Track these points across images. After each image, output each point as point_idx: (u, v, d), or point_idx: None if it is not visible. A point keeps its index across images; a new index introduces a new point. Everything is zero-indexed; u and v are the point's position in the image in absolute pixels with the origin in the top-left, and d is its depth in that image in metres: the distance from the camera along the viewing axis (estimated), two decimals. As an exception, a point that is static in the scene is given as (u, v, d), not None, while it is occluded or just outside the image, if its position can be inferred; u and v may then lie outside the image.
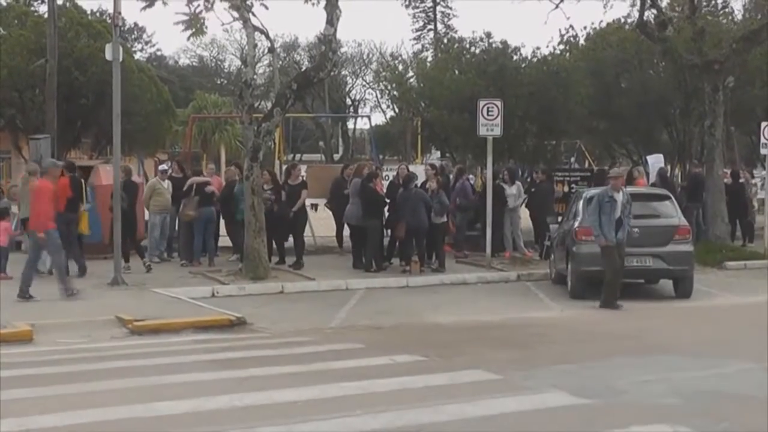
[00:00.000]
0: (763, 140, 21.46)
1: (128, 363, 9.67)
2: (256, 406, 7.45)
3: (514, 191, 20.11)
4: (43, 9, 31.86)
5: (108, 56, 16.17)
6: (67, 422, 6.94)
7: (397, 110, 45.79)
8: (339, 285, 16.51)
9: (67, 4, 29.47)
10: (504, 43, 24.88)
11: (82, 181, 16.96)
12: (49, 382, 8.47)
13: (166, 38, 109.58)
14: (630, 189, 17.81)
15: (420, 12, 71.20)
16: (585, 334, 11.80)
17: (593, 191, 16.62)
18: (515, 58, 24.49)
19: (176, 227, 19.47)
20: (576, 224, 15.59)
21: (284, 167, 20.65)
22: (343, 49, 58.90)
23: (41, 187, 14.64)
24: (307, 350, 10.50)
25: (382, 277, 17.34)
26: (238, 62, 63.16)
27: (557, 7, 23.86)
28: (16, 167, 33.24)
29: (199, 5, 17.56)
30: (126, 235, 16.56)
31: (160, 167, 21.50)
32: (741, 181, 22.97)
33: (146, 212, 19.54)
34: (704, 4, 25.70)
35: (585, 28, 30.25)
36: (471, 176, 23.01)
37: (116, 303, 13.84)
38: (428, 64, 30.82)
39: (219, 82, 67.27)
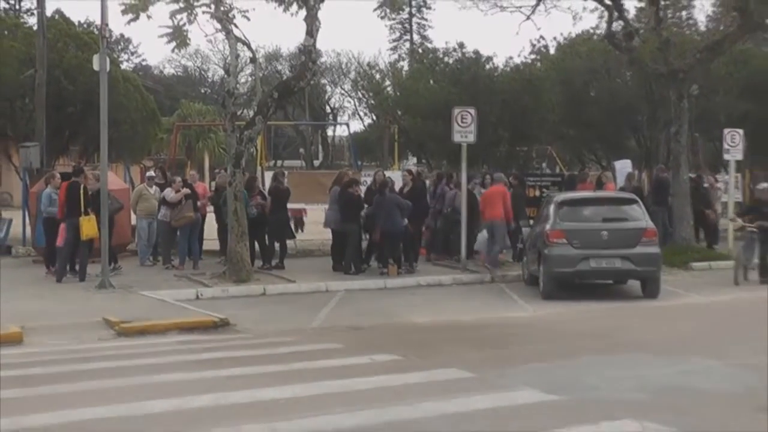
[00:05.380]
0: (725, 146, 22.07)
1: (115, 363, 9.73)
2: (239, 405, 7.50)
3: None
4: (32, 21, 32.12)
5: (95, 66, 16.39)
6: (57, 421, 7.01)
7: (374, 118, 46.24)
8: (319, 287, 16.66)
9: (56, 17, 29.75)
10: (476, 53, 25.40)
11: (82, 186, 16.89)
12: (40, 383, 8.54)
13: (152, 49, 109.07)
14: (599, 193, 18.46)
15: (396, 23, 71.96)
16: (557, 334, 11.89)
17: (565, 195, 17.17)
18: (488, 67, 25.02)
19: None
20: (548, 227, 15.77)
21: (273, 173, 20.95)
22: (322, 59, 59.18)
23: None
24: (288, 350, 10.52)
25: (361, 280, 17.44)
26: (221, 72, 63.31)
27: (528, 18, 24.14)
28: (6, 174, 33.47)
29: (182, 18, 17.70)
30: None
31: (148, 173, 21.78)
32: (706, 185, 23.43)
33: (132, 217, 19.92)
34: (669, 15, 26.22)
35: (555, 38, 30.94)
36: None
37: (103, 305, 13.97)
38: (404, 73, 31.28)
39: (203, 91, 67.40)
